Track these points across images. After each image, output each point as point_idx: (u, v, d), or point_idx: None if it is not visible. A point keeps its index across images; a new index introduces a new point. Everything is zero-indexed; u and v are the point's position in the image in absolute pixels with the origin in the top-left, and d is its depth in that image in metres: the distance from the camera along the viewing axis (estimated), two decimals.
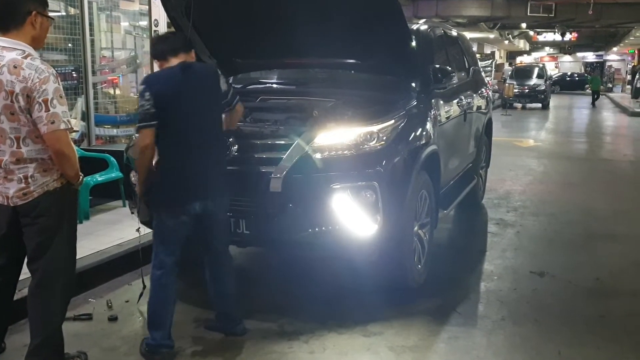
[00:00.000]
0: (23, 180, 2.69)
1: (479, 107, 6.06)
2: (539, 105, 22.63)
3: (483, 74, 7.22)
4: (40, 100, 2.58)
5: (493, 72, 24.34)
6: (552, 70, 43.42)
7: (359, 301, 3.85)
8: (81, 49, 6.46)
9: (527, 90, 22.21)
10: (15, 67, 2.58)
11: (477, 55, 25.69)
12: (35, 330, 2.85)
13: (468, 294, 4.07)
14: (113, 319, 3.64)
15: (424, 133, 4.06)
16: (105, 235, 4.73)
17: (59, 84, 2.65)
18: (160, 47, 3.20)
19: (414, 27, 5.03)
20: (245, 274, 4.61)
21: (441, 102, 4.65)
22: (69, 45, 6.78)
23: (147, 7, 7.12)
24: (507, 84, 21.14)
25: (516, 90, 21.85)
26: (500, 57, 35.05)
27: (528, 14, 15.76)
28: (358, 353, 3.22)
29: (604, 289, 4.22)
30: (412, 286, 3.97)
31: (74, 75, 6.38)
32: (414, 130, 3.92)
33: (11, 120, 2.62)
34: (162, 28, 7.14)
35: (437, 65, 4.63)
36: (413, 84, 4.35)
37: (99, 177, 5.35)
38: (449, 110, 4.85)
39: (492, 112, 7.00)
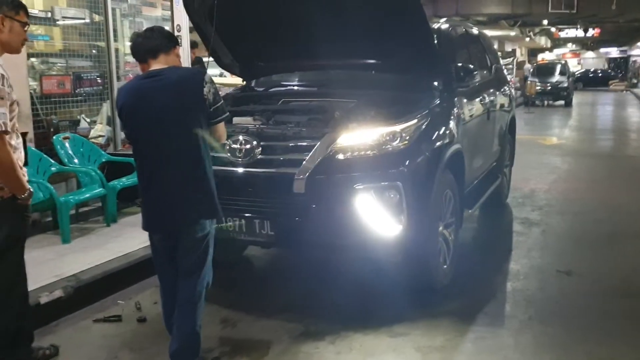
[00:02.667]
0: None
1: (502, 105, 6.02)
2: (562, 102, 22.33)
3: (505, 71, 7.16)
4: None
5: (514, 69, 24.14)
6: (574, 66, 42.87)
7: (384, 301, 3.85)
8: (106, 55, 6.56)
9: (549, 88, 21.92)
10: None
11: (498, 54, 25.36)
12: None
13: (494, 293, 4.04)
14: (142, 320, 3.68)
15: (448, 132, 4.05)
16: (133, 237, 4.77)
17: (2, 86, 2.55)
18: (138, 48, 2.90)
19: (436, 25, 5.02)
20: (270, 275, 4.67)
21: (464, 100, 4.62)
22: (94, 51, 6.89)
23: (169, 12, 7.21)
24: (529, 82, 20.90)
25: (538, 88, 21.59)
26: (522, 55, 34.68)
27: (549, 10, 15.54)
28: (384, 354, 3.22)
29: (632, 288, 4.16)
30: (437, 287, 3.95)
31: (99, 81, 6.47)
32: (437, 129, 3.91)
33: None
34: (185, 33, 7.22)
35: (460, 64, 4.62)
36: (435, 83, 4.34)
37: (126, 181, 5.42)
38: (472, 108, 4.83)
39: (515, 109, 6.93)
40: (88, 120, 6.61)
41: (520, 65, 25.90)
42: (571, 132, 14.61)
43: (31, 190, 2.75)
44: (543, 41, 33.65)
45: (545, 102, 22.14)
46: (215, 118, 2.89)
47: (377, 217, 3.47)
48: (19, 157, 2.73)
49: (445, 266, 4.07)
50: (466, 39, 5.48)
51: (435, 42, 4.30)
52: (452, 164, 4.08)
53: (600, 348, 3.27)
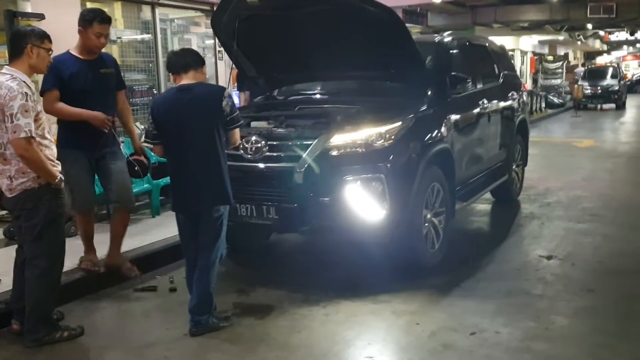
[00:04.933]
0: (8, 178, 3.43)
1: (507, 109, 6.50)
2: (613, 105, 22.14)
3: (519, 77, 7.61)
4: (8, 113, 3.27)
5: (564, 73, 24.02)
6: (635, 69, 41.68)
7: (375, 277, 4.47)
8: (155, 69, 7.48)
9: (600, 91, 21.80)
10: None
11: (549, 57, 25.07)
12: (26, 297, 3.55)
13: (475, 273, 4.59)
14: (173, 290, 4.45)
15: (433, 133, 4.66)
16: (172, 226, 5.50)
17: (26, 101, 3.28)
18: (173, 62, 3.67)
19: (436, 39, 5.64)
20: (285, 257, 5.39)
21: (458, 105, 5.19)
22: (147, 66, 7.84)
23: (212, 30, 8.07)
24: (576, 85, 20.85)
25: (588, 91, 21.52)
26: (576, 59, 34.16)
27: (588, 15, 15.65)
28: (365, 315, 3.88)
29: (604, 269, 4.63)
30: (425, 266, 4.54)
31: (149, 92, 7.39)
32: (421, 130, 4.53)
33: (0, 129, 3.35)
34: None
35: (453, 73, 5.19)
36: (429, 91, 4.94)
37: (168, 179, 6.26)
38: (466, 112, 5.39)
39: (527, 113, 7.37)
40: (141, 127, 7.54)
41: (570, 68, 25.69)
42: (612, 134, 14.67)
43: (61, 177, 3.51)
44: (598, 44, 33.08)
45: (599, 106, 22.04)
46: (231, 125, 3.68)
47: (363, 204, 4.13)
48: (50, 153, 3.52)
49: (433, 249, 4.66)
50: (469, 50, 6.02)
51: (430, 55, 4.91)
52: (439, 161, 4.67)
53: (553, 314, 3.80)
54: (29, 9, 6.10)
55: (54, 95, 4.08)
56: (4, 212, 5.43)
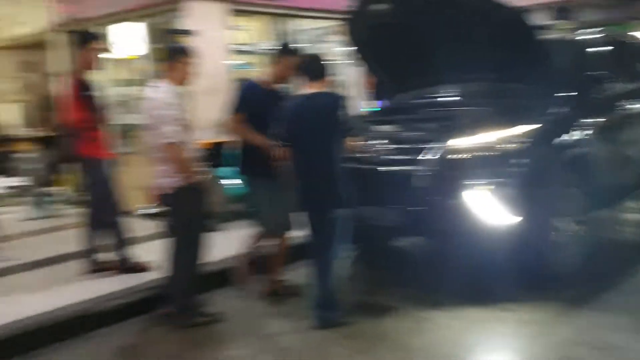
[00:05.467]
0: (164, 178, 3.90)
1: None
2: None
3: None
4: (158, 121, 3.78)
5: None
6: None
7: (505, 285, 4.23)
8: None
9: None
10: (149, 98, 3.94)
11: None
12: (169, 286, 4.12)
13: (614, 285, 4.29)
14: (304, 285, 4.68)
15: (569, 136, 4.46)
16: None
17: (173, 110, 3.76)
18: (305, 68, 4.02)
19: (573, 37, 5.39)
20: (407, 258, 5.46)
21: (598, 107, 4.92)
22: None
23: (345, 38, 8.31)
24: None
25: None
26: None
27: None
28: (488, 322, 3.83)
29: None
30: (557, 276, 4.33)
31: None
32: (555, 133, 4.38)
33: (153, 134, 3.86)
34: None
35: (592, 73, 4.92)
36: (563, 92, 4.73)
37: None
38: (608, 114, 5.08)
39: None
40: None
41: None
42: None
43: (202, 178, 3.98)
44: None
45: None
46: (346, 133, 3.92)
47: (490, 209, 4.06)
48: (193, 156, 3.96)
49: (568, 259, 4.41)
50: (612, 47, 5.60)
51: (557, 54, 4.72)
52: (576, 165, 4.45)
53: None
54: (182, 26, 6.76)
55: (238, 117, 4.43)
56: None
